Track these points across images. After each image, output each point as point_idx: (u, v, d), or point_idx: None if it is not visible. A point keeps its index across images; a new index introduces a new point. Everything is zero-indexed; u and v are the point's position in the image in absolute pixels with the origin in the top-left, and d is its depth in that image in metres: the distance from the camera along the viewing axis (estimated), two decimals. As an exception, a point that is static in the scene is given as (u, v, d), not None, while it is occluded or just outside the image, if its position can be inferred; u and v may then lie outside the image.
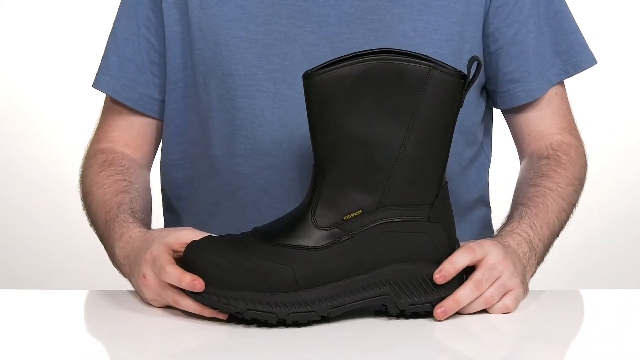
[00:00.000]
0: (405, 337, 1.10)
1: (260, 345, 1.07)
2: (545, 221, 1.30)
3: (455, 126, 1.38)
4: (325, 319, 1.12)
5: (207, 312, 1.13)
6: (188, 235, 1.18)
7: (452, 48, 1.36)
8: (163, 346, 1.10)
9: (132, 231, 1.26)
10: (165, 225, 1.49)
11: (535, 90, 1.40)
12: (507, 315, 1.18)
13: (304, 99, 1.33)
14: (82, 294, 1.30)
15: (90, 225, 1.39)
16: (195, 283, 1.11)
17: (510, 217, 1.31)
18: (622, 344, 1.09)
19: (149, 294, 1.19)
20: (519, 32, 1.39)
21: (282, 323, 1.11)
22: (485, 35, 1.39)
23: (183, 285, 1.12)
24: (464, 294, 1.14)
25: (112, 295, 1.26)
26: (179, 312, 1.17)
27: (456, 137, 1.39)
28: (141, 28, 1.41)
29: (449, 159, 1.38)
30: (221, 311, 1.12)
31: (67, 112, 2.97)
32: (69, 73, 2.96)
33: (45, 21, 2.96)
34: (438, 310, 1.13)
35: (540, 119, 1.42)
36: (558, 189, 1.35)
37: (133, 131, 1.44)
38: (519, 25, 1.39)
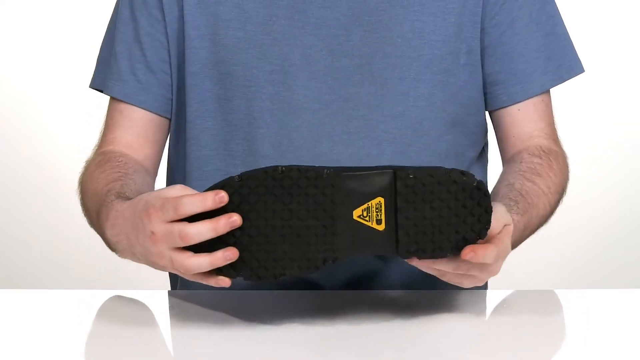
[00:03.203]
0: (397, 338, 1.10)
1: (259, 347, 1.07)
2: (529, 226, 1.29)
3: (459, 127, 1.38)
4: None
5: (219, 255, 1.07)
6: (178, 191, 1.11)
7: (450, 49, 1.36)
8: (163, 346, 1.10)
9: (117, 205, 1.21)
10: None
11: (517, 94, 1.39)
12: (506, 315, 1.18)
13: (302, 100, 1.33)
14: (82, 294, 1.30)
15: (90, 225, 1.37)
16: (221, 196, 1.05)
17: (514, 203, 1.28)
18: (622, 344, 1.09)
19: (159, 250, 1.09)
20: (504, 34, 1.38)
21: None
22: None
23: (209, 203, 1.05)
24: (491, 254, 1.10)
25: (112, 295, 1.26)
26: (179, 311, 1.17)
27: (460, 138, 1.39)
28: (147, 27, 1.40)
29: (451, 159, 1.38)
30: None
31: (67, 112, 2.97)
32: (70, 73, 2.95)
33: (46, 21, 2.96)
34: (468, 251, 1.08)
35: (527, 121, 1.41)
36: (549, 194, 1.34)
37: (135, 130, 1.41)
38: (505, 26, 1.38)
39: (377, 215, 1.08)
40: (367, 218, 1.08)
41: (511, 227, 1.15)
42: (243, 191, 1.05)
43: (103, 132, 1.44)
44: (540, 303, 1.25)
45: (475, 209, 1.08)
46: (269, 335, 1.10)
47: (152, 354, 1.08)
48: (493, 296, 1.32)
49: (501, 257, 1.12)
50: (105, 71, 1.43)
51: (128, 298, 1.25)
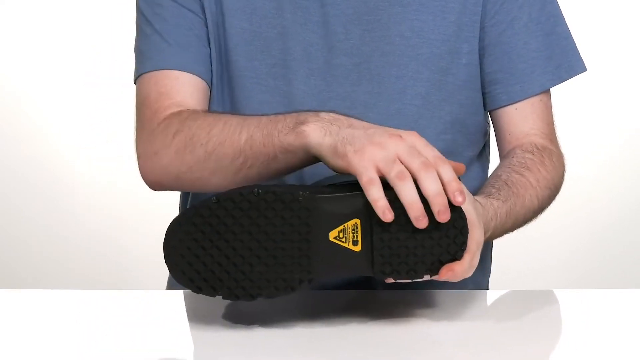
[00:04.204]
0: (397, 338, 1.10)
1: (258, 346, 1.07)
2: (512, 214, 1.29)
3: (457, 127, 1.38)
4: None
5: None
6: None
7: (449, 48, 1.36)
8: (163, 346, 1.10)
9: (320, 114, 1.15)
10: (182, 198, 1.46)
11: (517, 93, 1.39)
12: (506, 315, 1.18)
13: (300, 96, 1.34)
14: (82, 294, 1.30)
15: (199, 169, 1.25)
16: (458, 200, 1.06)
17: (496, 190, 1.29)
18: (622, 344, 1.09)
19: (384, 154, 1.07)
20: (503, 33, 1.38)
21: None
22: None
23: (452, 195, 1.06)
24: (467, 265, 1.10)
25: (112, 295, 1.26)
26: (179, 311, 1.17)
27: (458, 137, 1.39)
28: (187, 4, 1.37)
29: (449, 158, 1.38)
30: None
31: (67, 112, 2.97)
32: (70, 73, 2.95)
33: (46, 21, 2.96)
34: (446, 271, 1.08)
35: (524, 120, 1.41)
36: (537, 187, 1.34)
37: (196, 96, 1.34)
38: (505, 26, 1.38)
39: (354, 236, 1.09)
40: (343, 239, 1.09)
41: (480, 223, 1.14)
42: (220, 213, 1.07)
43: (149, 107, 1.33)
44: (540, 303, 1.25)
45: (451, 230, 1.08)
46: (268, 334, 1.10)
47: (152, 354, 1.08)
48: (493, 296, 1.32)
49: (476, 254, 1.12)
50: (150, 55, 1.37)
51: (128, 298, 1.25)
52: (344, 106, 1.34)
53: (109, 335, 1.13)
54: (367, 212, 1.08)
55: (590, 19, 2.89)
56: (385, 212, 1.05)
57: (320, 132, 1.13)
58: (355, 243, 1.09)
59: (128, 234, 2.94)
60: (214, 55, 1.37)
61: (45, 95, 2.97)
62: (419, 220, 1.06)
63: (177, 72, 1.34)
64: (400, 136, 1.09)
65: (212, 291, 1.09)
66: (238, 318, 1.15)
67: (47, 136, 2.97)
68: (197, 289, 1.09)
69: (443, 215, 1.06)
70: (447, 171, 1.08)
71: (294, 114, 1.18)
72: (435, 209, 1.06)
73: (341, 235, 1.09)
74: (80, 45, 2.94)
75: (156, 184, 1.31)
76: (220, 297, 1.09)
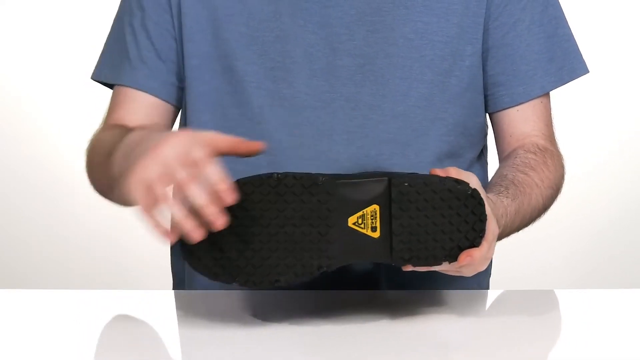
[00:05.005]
0: (397, 338, 1.10)
1: (258, 346, 1.07)
2: (520, 212, 1.29)
3: (460, 129, 1.38)
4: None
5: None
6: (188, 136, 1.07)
7: (452, 50, 1.36)
8: (163, 346, 1.10)
9: (133, 134, 1.18)
10: None
11: (519, 95, 1.39)
12: (506, 315, 1.18)
13: (302, 98, 1.34)
14: (82, 294, 1.30)
15: (96, 179, 1.34)
16: (229, 194, 1.02)
17: (504, 188, 1.29)
18: (622, 344, 1.09)
19: (149, 170, 1.04)
20: (506, 35, 1.38)
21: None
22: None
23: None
24: (486, 251, 1.11)
25: (112, 295, 1.26)
26: (180, 311, 1.17)
27: (459, 139, 1.39)
28: (154, 16, 1.38)
29: (450, 160, 1.38)
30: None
31: (67, 112, 2.97)
32: (70, 73, 2.95)
33: (46, 21, 2.96)
34: (465, 256, 1.09)
35: (524, 122, 1.41)
36: (542, 187, 1.34)
37: (140, 113, 1.38)
38: (508, 28, 1.38)
39: (372, 222, 1.08)
40: (362, 225, 1.08)
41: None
42: (239, 197, 1.06)
43: (106, 115, 1.42)
44: (540, 303, 1.25)
45: (470, 217, 1.08)
46: (269, 334, 1.10)
47: (152, 354, 1.08)
48: (493, 296, 1.32)
49: (492, 245, 1.12)
50: (110, 63, 1.42)
51: (128, 298, 1.25)
52: (348, 107, 1.33)
53: (108, 335, 1.13)
54: (386, 198, 1.07)
55: (592, 20, 2.89)
56: (193, 233, 1.03)
57: (119, 154, 1.17)
58: (374, 229, 1.08)
59: (128, 234, 2.93)
60: (211, 65, 1.36)
61: (45, 95, 2.97)
62: (193, 232, 1.02)
63: (129, 89, 1.39)
64: (157, 148, 1.04)
65: (229, 278, 1.07)
66: (237, 318, 1.15)
67: (47, 136, 2.97)
68: (214, 276, 1.07)
69: (218, 222, 1.03)
70: (212, 173, 1.04)
71: (125, 158, 1.15)
72: (207, 219, 1.03)
73: (360, 221, 1.08)
74: (80, 45, 2.93)
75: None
76: (237, 284, 1.07)
